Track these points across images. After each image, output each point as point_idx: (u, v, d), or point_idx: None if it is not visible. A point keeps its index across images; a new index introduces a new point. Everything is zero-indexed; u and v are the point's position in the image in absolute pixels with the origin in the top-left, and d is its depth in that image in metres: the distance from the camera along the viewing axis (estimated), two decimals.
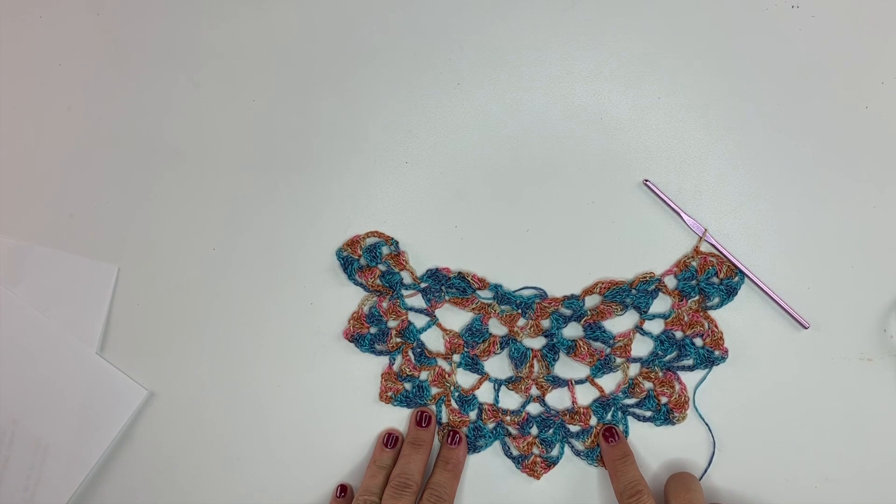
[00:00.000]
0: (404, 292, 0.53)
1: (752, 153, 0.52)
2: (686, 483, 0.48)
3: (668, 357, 0.52)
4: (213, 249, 0.54)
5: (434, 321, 0.53)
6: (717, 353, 0.51)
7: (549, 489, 0.52)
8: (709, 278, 0.52)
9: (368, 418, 0.53)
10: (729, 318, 0.51)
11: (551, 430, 0.52)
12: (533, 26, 0.54)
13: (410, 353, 0.53)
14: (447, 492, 0.49)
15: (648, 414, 0.51)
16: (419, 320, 0.53)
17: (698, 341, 0.51)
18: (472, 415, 0.52)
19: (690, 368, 0.51)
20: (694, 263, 0.52)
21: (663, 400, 0.51)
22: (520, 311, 0.52)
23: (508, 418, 0.52)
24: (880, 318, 0.51)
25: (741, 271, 0.51)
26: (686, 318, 0.51)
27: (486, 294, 0.53)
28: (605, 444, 0.51)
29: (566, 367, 0.52)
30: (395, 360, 0.53)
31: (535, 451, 0.52)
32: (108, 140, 0.56)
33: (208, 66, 0.56)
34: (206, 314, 0.54)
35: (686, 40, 0.53)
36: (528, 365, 0.52)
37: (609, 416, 0.52)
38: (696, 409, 0.51)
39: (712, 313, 0.52)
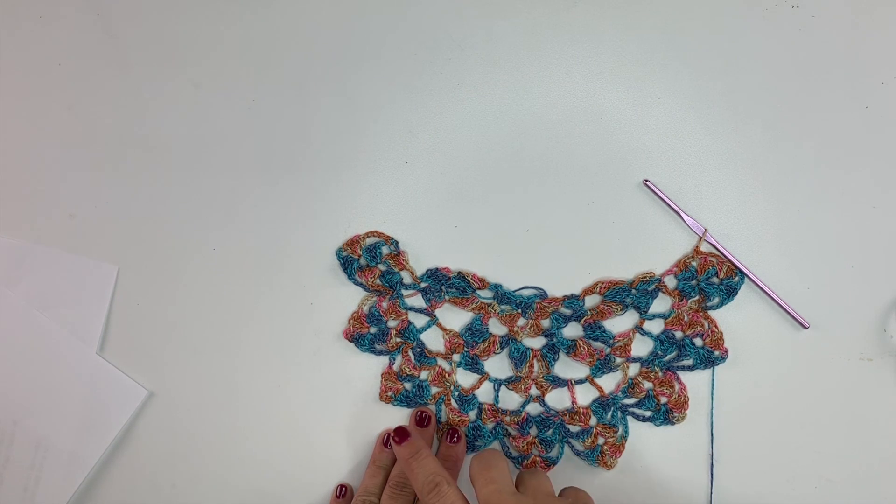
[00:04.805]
0: (404, 292, 0.53)
1: (752, 153, 0.52)
2: (488, 460, 0.45)
3: (667, 357, 0.52)
4: (213, 249, 0.54)
5: (434, 321, 0.53)
6: (717, 353, 0.51)
7: None
8: (709, 278, 0.51)
9: (368, 418, 0.53)
10: (729, 318, 0.51)
11: (551, 431, 0.52)
12: (533, 26, 0.54)
13: (410, 353, 0.53)
14: None
15: (648, 414, 0.51)
16: (419, 320, 0.53)
17: (698, 341, 0.51)
18: (472, 414, 0.52)
19: (690, 368, 0.51)
20: (694, 263, 0.52)
21: (663, 400, 0.51)
22: (520, 310, 0.52)
23: (508, 418, 0.52)
24: (880, 318, 0.51)
25: (741, 271, 0.51)
26: (686, 318, 0.51)
27: (486, 294, 0.53)
28: (396, 446, 0.48)
29: (566, 367, 0.52)
30: (395, 359, 0.53)
31: (535, 451, 0.52)
32: (108, 140, 0.56)
33: (208, 66, 0.56)
34: (206, 314, 0.54)
35: (686, 40, 0.53)
36: (527, 365, 0.52)
37: (609, 416, 0.52)
38: (711, 417, 0.51)
39: (712, 313, 0.52)
